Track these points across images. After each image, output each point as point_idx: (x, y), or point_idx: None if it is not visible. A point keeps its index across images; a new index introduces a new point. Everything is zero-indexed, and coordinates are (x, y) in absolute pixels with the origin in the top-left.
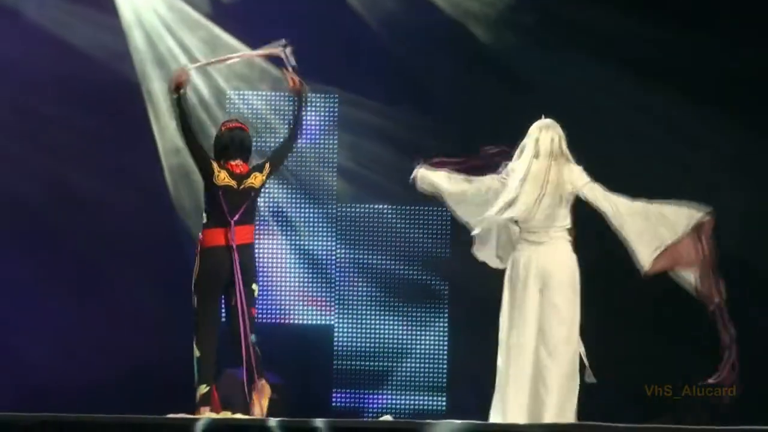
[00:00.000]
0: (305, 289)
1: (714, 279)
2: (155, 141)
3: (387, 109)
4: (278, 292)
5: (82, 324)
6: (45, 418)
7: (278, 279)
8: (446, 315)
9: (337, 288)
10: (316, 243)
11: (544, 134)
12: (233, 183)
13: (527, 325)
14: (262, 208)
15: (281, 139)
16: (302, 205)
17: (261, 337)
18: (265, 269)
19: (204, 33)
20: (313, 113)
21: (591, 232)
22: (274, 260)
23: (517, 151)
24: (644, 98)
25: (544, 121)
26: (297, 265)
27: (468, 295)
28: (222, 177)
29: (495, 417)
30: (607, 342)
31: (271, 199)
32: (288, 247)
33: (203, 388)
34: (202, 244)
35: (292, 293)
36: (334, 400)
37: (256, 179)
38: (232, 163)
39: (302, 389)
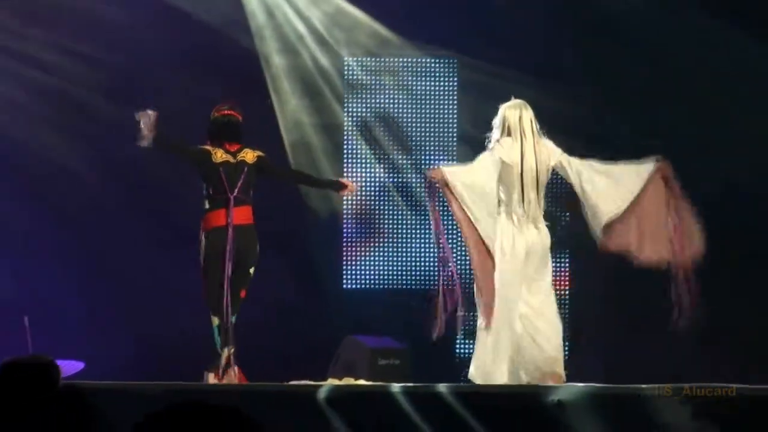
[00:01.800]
0: (426, 254)
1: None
2: (275, 115)
3: (507, 72)
4: (401, 258)
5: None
6: (170, 386)
7: (400, 245)
8: (567, 268)
9: (458, 252)
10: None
11: (525, 114)
12: (230, 158)
13: (517, 294)
14: (373, 177)
15: (301, 174)
16: (423, 171)
17: (386, 303)
18: (387, 236)
19: (321, 1)
20: (432, 78)
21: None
22: (395, 227)
23: (497, 134)
24: None
25: (519, 102)
26: (418, 231)
27: (587, 253)
28: (219, 155)
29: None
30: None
31: (391, 166)
32: (409, 213)
33: (227, 351)
34: (205, 226)
35: (414, 259)
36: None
37: (247, 155)
38: (227, 143)
39: (425, 355)
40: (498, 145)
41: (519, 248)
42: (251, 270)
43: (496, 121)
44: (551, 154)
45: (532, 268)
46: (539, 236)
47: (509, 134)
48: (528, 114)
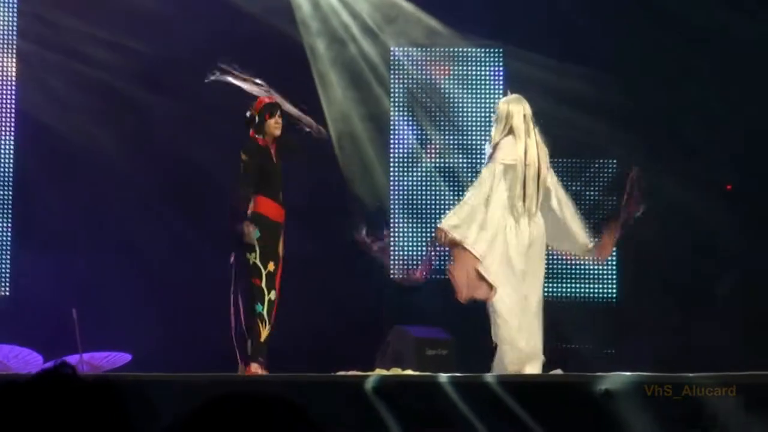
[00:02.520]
0: None
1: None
2: (322, 107)
3: (554, 63)
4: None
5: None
6: (216, 378)
7: None
8: (614, 256)
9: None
10: None
11: (527, 111)
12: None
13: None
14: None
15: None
16: (468, 162)
17: (431, 293)
18: (433, 225)
19: None
20: (478, 68)
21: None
22: (441, 215)
23: (499, 130)
24: None
25: (519, 97)
26: None
27: (635, 243)
28: None
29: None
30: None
31: (437, 155)
32: (455, 201)
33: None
34: None
35: None
36: None
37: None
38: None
39: (472, 345)
40: (498, 152)
41: (524, 238)
42: (249, 257)
43: (498, 116)
44: (547, 152)
45: (530, 261)
46: (538, 229)
47: (510, 131)
48: (528, 110)
